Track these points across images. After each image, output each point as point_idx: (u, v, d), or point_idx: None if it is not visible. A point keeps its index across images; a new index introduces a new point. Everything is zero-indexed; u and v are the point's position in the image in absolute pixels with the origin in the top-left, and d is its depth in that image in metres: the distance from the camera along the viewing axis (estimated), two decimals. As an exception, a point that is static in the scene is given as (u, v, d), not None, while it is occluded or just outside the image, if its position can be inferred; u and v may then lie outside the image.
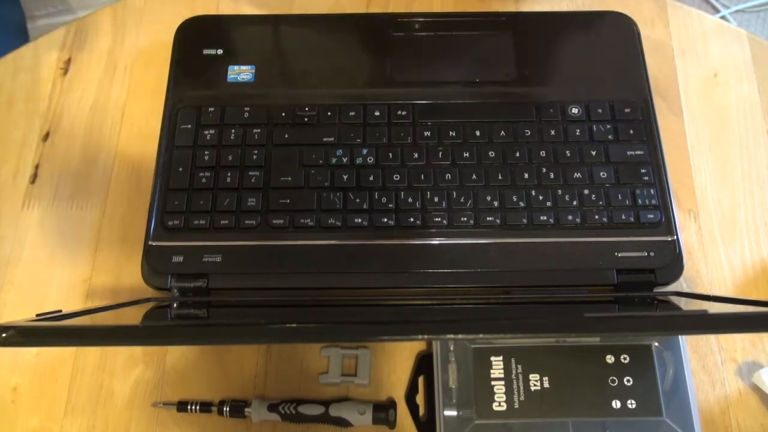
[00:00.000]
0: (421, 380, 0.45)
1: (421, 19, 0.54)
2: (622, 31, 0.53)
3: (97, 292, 0.48)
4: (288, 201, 0.47)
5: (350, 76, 0.52)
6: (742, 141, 0.52)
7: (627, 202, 0.47)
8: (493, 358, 0.43)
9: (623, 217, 0.46)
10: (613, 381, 0.42)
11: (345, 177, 0.48)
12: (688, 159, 0.52)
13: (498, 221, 0.46)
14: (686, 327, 0.33)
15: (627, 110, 0.50)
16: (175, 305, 0.45)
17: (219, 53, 0.53)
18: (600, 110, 0.50)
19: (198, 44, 0.53)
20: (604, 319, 0.35)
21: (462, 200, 0.47)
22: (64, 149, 0.53)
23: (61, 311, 0.37)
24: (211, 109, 0.50)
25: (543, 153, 0.48)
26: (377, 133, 0.49)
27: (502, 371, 0.43)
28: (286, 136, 0.50)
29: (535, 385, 0.42)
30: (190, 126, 0.50)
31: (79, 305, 0.48)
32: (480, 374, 0.43)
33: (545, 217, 0.46)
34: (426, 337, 0.38)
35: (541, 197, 0.47)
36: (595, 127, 0.49)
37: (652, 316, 0.39)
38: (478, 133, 0.49)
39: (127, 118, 0.54)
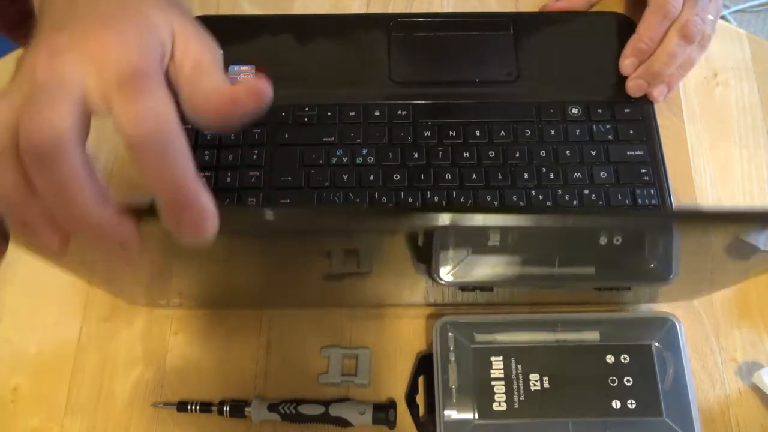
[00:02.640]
0: (421, 380, 0.45)
1: (421, 19, 0.54)
2: (621, 31, 0.53)
3: (97, 292, 0.48)
4: (288, 201, 0.47)
5: (350, 76, 0.52)
6: (742, 141, 0.52)
7: (627, 202, 0.47)
8: (493, 358, 0.43)
9: (623, 217, 0.46)
10: (613, 381, 0.42)
11: (345, 177, 0.48)
12: (688, 159, 0.52)
13: (498, 221, 0.46)
14: (678, 219, 0.32)
15: (627, 110, 0.50)
16: None
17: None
18: (600, 110, 0.50)
19: (198, 44, 0.53)
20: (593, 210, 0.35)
21: (462, 200, 0.47)
22: (64, 149, 0.53)
23: None
24: (211, 109, 0.50)
25: (543, 153, 0.48)
26: (377, 133, 0.49)
27: (502, 371, 0.43)
28: (286, 135, 0.50)
29: (535, 385, 0.42)
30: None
31: (79, 305, 0.48)
32: (480, 374, 0.43)
33: (545, 217, 0.46)
34: (417, 221, 0.34)
35: (541, 197, 0.47)
36: (594, 127, 0.49)
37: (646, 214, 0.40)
38: (478, 133, 0.49)
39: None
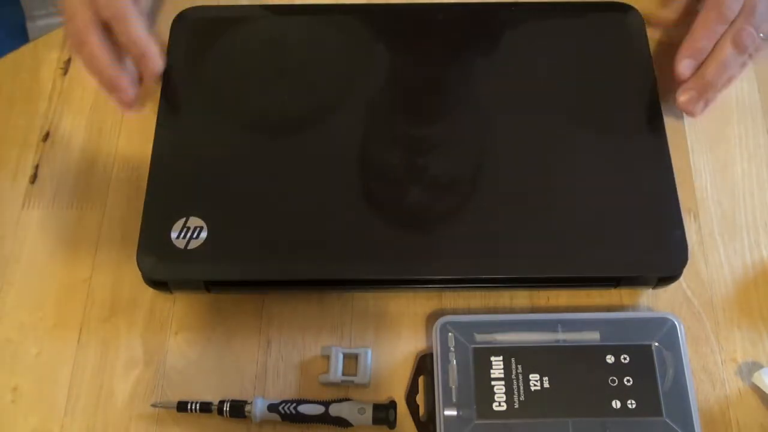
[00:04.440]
0: (421, 380, 0.45)
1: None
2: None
3: (97, 292, 0.48)
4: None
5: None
6: (742, 141, 0.52)
7: (627, 202, 0.47)
8: (493, 358, 0.43)
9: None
10: (613, 381, 0.42)
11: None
12: (688, 159, 0.52)
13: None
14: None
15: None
16: None
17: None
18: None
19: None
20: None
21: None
22: (64, 149, 0.53)
23: None
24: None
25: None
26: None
27: (502, 371, 0.43)
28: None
29: (535, 385, 0.42)
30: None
31: (79, 305, 0.48)
32: (480, 374, 0.43)
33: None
34: None
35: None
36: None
37: None
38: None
39: (127, 118, 0.54)
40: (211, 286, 0.46)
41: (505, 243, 0.45)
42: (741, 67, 0.47)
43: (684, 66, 0.47)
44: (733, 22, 0.46)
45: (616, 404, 0.42)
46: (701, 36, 0.47)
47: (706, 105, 0.47)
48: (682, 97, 0.47)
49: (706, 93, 0.47)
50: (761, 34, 0.46)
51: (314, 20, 0.54)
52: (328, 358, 0.45)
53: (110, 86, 0.47)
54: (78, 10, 0.47)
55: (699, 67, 0.47)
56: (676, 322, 0.44)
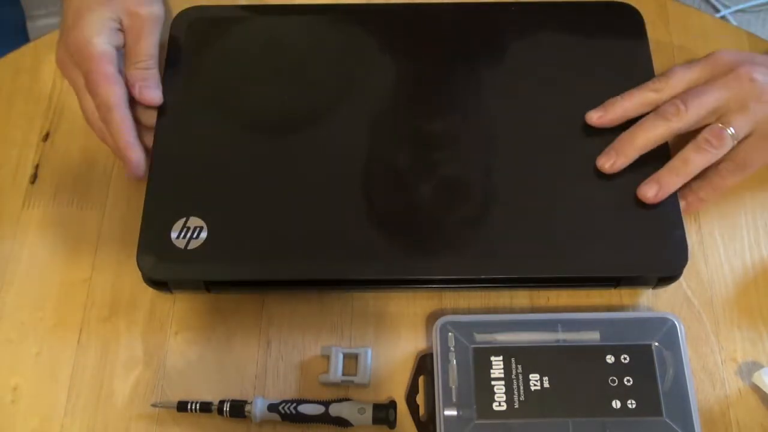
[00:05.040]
0: (421, 380, 0.45)
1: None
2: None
3: (97, 292, 0.48)
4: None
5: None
6: (742, 141, 0.52)
7: (627, 202, 0.47)
8: (493, 358, 0.43)
9: (623, 217, 0.46)
10: (613, 381, 0.42)
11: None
12: (688, 159, 0.52)
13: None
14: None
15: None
16: None
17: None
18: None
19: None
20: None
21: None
22: (64, 149, 0.53)
23: None
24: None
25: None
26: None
27: (502, 371, 0.43)
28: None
29: (535, 385, 0.42)
30: None
31: (79, 305, 0.48)
32: (480, 374, 0.43)
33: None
34: None
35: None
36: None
37: None
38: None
39: (127, 118, 0.54)
40: (211, 286, 0.46)
41: (505, 243, 0.45)
42: (694, 155, 0.45)
43: (591, 112, 0.47)
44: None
45: (616, 404, 0.42)
46: (622, 96, 0.47)
47: (617, 161, 0.46)
48: (600, 156, 0.46)
49: (621, 150, 0.46)
50: (730, 129, 0.45)
51: (314, 20, 0.54)
52: (328, 358, 0.45)
53: (123, 161, 0.48)
54: (86, 105, 0.48)
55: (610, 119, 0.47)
56: (676, 322, 0.44)
